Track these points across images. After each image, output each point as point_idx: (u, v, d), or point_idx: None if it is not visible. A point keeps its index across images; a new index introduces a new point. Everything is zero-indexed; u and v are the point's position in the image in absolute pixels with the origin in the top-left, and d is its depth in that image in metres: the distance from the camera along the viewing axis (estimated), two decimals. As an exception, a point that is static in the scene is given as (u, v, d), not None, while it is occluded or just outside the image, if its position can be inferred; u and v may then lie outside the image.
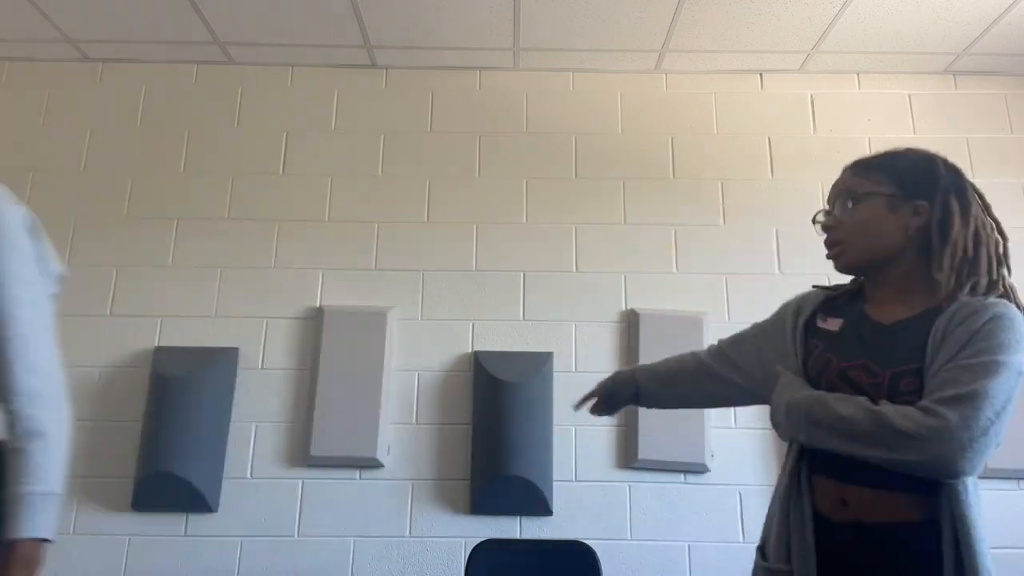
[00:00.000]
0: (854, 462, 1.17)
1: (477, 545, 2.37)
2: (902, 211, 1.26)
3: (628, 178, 2.95)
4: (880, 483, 1.19)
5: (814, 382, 1.31)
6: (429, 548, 2.56)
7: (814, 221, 1.39)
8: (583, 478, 2.63)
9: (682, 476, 2.63)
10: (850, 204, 1.30)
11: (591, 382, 2.74)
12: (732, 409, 2.69)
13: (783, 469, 1.35)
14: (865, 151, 3.19)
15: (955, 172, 1.29)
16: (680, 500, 2.61)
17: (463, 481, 2.61)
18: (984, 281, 1.22)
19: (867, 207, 1.28)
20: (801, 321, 1.40)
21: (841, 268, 1.34)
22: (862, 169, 1.32)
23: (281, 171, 2.95)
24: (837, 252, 1.33)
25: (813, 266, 2.81)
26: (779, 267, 2.84)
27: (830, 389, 1.27)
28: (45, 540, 1.18)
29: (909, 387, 1.18)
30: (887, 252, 1.27)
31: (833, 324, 1.34)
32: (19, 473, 1.19)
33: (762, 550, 1.37)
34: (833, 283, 1.45)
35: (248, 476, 2.62)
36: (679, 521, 2.59)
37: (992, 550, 2.63)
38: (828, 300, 1.40)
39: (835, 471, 1.24)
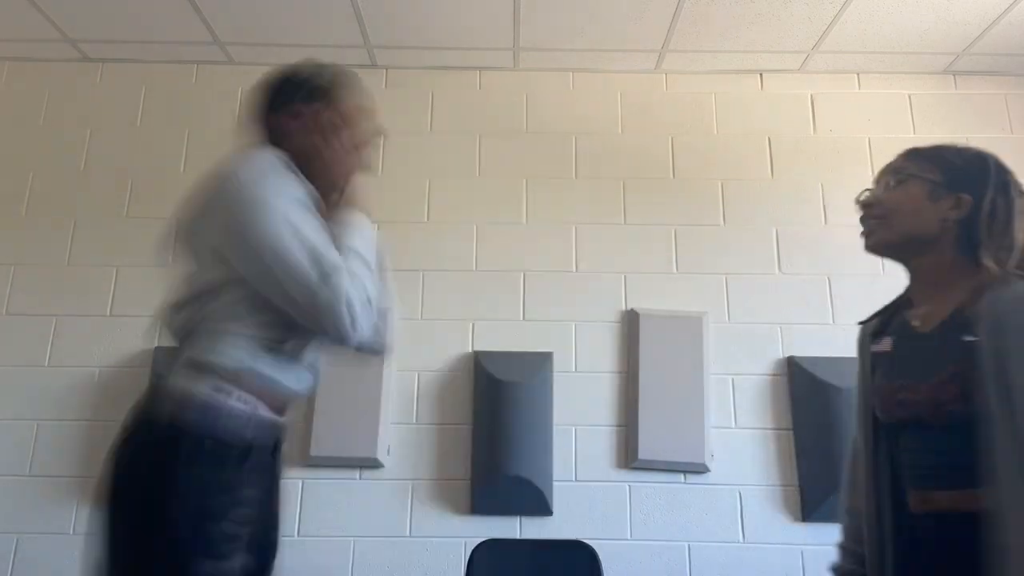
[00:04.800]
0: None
1: (477, 545, 2.37)
2: (943, 200, 1.25)
3: (628, 178, 2.95)
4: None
5: (882, 413, 1.30)
6: (429, 548, 2.55)
7: (857, 200, 1.37)
8: (583, 478, 2.63)
9: (682, 476, 2.63)
10: (892, 183, 1.31)
11: (591, 382, 2.77)
12: (732, 409, 2.69)
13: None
14: (865, 151, 3.20)
15: (1005, 171, 1.28)
16: (680, 500, 2.61)
17: (463, 481, 2.61)
18: None
19: (908, 188, 1.28)
20: (866, 357, 1.37)
21: (870, 246, 1.34)
22: (914, 154, 1.32)
23: (281, 171, 2.95)
24: (870, 229, 1.33)
25: (813, 266, 2.83)
26: (779, 267, 2.84)
27: (889, 417, 1.28)
28: None
29: (950, 395, 1.17)
30: (919, 237, 1.27)
31: (885, 345, 1.33)
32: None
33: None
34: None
35: (248, 476, 2.61)
36: (679, 521, 2.59)
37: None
38: (878, 322, 1.38)
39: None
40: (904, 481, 1.26)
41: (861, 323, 1.44)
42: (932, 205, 1.25)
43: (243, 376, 1.26)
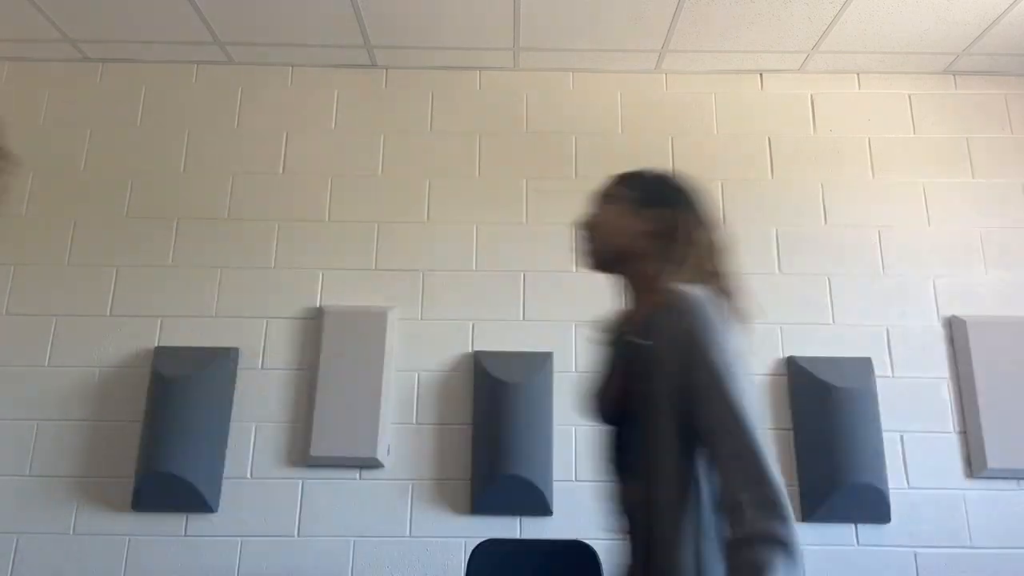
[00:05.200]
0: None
1: (477, 545, 2.37)
2: (639, 217, 1.39)
3: (628, 178, 2.94)
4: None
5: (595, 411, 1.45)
6: (429, 548, 2.56)
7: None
8: (583, 478, 2.63)
9: (682, 476, 2.62)
10: (600, 204, 1.46)
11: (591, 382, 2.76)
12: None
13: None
14: (865, 151, 3.21)
15: (688, 186, 1.43)
16: (680, 500, 2.60)
17: (463, 481, 2.61)
18: (706, 275, 1.34)
19: (613, 208, 1.42)
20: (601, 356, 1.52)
21: (588, 264, 1.46)
22: (618, 178, 1.48)
23: (281, 171, 2.95)
24: (586, 248, 1.45)
25: (813, 266, 2.83)
26: (779, 267, 2.84)
27: (600, 414, 1.42)
28: None
29: (620, 393, 1.32)
30: (621, 251, 1.39)
31: (608, 347, 1.47)
32: None
33: None
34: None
35: (248, 476, 2.62)
36: (679, 521, 2.58)
37: (992, 550, 2.63)
38: (609, 326, 1.50)
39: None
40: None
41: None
42: (630, 222, 1.39)
43: None
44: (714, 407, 1.16)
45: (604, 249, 1.42)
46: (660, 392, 1.22)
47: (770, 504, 1.09)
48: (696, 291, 1.26)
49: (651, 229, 1.37)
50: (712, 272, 1.35)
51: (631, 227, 1.39)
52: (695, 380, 1.18)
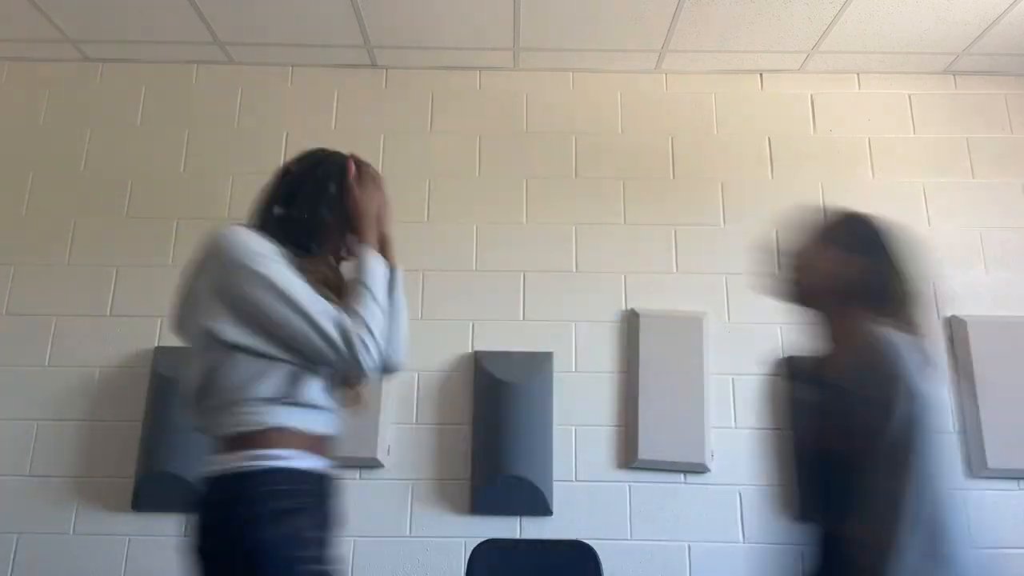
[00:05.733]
0: None
1: (477, 545, 2.37)
2: (852, 261, 1.46)
3: (628, 178, 2.95)
4: None
5: (801, 456, 1.53)
6: (429, 548, 2.56)
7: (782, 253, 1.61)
8: (583, 478, 2.63)
9: (682, 476, 2.63)
10: (812, 240, 1.52)
11: (591, 382, 2.77)
12: (732, 409, 2.69)
13: None
14: (865, 151, 3.20)
15: (895, 236, 1.50)
16: (680, 500, 2.61)
17: (463, 481, 2.61)
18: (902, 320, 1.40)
19: (825, 248, 1.49)
20: (789, 394, 1.62)
21: (787, 295, 1.55)
22: (831, 219, 1.54)
23: (281, 171, 2.95)
24: (789, 280, 1.54)
25: (813, 266, 2.83)
26: (779, 267, 2.84)
27: (803, 454, 1.51)
28: None
29: (832, 433, 1.37)
30: (831, 291, 1.47)
31: (810, 389, 1.51)
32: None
33: None
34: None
35: (248, 476, 2.61)
36: (679, 521, 2.59)
37: (992, 550, 2.63)
38: (808, 364, 1.56)
39: None
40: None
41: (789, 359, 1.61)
42: (841, 265, 1.46)
43: (271, 436, 1.35)
44: (892, 453, 1.24)
45: (810, 286, 1.50)
46: (871, 432, 1.28)
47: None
48: (898, 337, 1.33)
49: (858, 275, 1.44)
50: (908, 321, 1.40)
51: (840, 270, 1.45)
52: (892, 421, 1.25)
